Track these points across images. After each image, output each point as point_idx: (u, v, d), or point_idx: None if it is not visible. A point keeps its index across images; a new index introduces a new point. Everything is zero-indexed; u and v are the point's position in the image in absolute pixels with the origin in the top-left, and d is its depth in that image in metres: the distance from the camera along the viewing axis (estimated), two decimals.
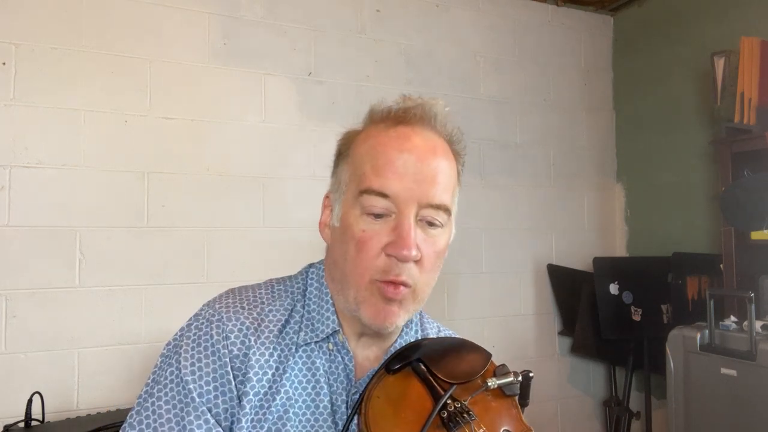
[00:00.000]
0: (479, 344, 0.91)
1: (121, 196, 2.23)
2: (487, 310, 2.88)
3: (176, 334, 0.87)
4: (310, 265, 0.95)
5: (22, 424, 1.82)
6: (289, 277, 0.94)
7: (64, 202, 2.15)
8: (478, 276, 2.88)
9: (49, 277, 2.12)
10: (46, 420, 1.87)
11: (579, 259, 3.10)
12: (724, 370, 2.08)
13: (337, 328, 0.87)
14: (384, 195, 0.80)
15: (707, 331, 2.16)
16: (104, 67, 2.23)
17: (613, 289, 2.75)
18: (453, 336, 1.01)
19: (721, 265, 2.42)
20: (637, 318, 2.75)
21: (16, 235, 2.09)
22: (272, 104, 2.50)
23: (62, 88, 2.17)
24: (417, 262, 0.82)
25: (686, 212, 2.89)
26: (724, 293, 2.36)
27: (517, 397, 0.85)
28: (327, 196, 0.92)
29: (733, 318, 2.20)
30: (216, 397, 0.80)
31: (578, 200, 3.18)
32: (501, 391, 0.84)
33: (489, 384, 0.82)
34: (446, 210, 0.84)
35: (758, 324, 2.06)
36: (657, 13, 3.08)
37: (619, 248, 3.25)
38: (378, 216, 0.81)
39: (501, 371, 0.84)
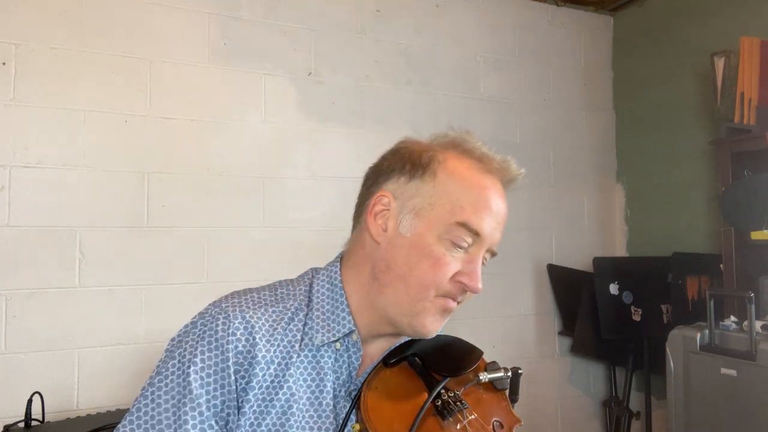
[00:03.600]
0: (475, 343, 0.96)
1: (121, 196, 2.23)
2: (487, 310, 2.88)
3: (180, 331, 0.89)
4: (315, 270, 0.97)
5: (22, 424, 1.82)
6: (292, 281, 0.96)
7: (64, 202, 2.15)
8: None
9: (49, 277, 2.12)
10: (46, 420, 1.87)
11: (579, 259, 3.10)
12: (724, 370, 2.08)
13: (353, 329, 0.90)
14: (476, 233, 0.88)
15: (707, 331, 2.16)
16: (104, 67, 2.23)
17: (613, 289, 2.75)
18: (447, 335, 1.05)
19: (721, 265, 2.42)
20: (637, 318, 2.75)
21: (16, 235, 2.08)
22: (272, 104, 2.50)
23: (62, 88, 2.17)
24: None
25: (686, 212, 2.89)
26: (724, 293, 2.36)
27: (507, 392, 0.90)
28: (384, 195, 0.91)
29: (733, 318, 2.20)
30: (215, 389, 0.83)
31: (578, 200, 3.18)
32: (492, 385, 0.89)
33: (480, 377, 0.87)
34: (495, 255, 0.94)
35: (758, 324, 2.06)
36: (657, 13, 3.08)
37: (619, 248, 3.25)
38: (459, 247, 0.88)
39: (492, 367, 0.89)
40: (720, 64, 2.41)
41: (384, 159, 0.96)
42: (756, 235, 2.26)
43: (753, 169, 2.32)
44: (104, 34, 2.24)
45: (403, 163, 0.92)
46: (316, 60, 2.60)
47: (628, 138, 3.23)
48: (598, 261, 2.81)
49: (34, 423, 1.83)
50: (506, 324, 2.94)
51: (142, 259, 2.25)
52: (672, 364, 2.27)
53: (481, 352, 0.91)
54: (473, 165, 0.92)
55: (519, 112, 3.04)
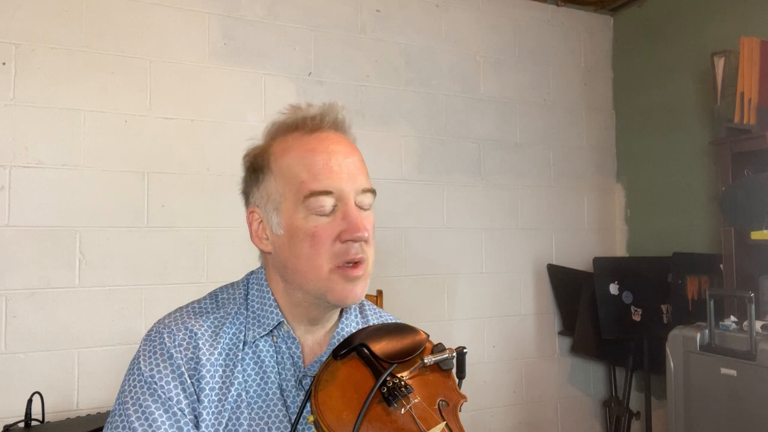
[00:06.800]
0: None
1: (121, 196, 2.23)
2: (487, 310, 2.88)
3: (133, 356, 0.94)
4: (251, 273, 1.05)
5: (22, 424, 1.82)
6: (232, 285, 1.04)
7: (64, 202, 2.15)
8: (478, 276, 2.88)
9: (49, 277, 2.12)
10: (46, 420, 1.87)
11: (579, 259, 3.10)
12: (724, 370, 2.08)
13: (282, 320, 0.96)
14: (328, 193, 0.90)
15: (707, 331, 2.16)
16: (104, 67, 2.23)
17: (613, 289, 2.75)
18: (394, 321, 1.10)
19: (721, 265, 2.42)
20: (637, 318, 2.75)
21: (16, 235, 2.09)
22: (272, 104, 2.50)
23: (62, 88, 2.17)
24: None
25: (686, 212, 2.89)
26: (724, 293, 2.36)
27: (454, 371, 0.94)
28: (252, 212, 0.99)
29: (733, 318, 2.20)
30: (178, 394, 0.88)
31: (578, 200, 3.18)
32: (438, 367, 0.93)
33: (426, 361, 0.91)
34: (373, 192, 0.96)
35: (758, 324, 2.06)
36: (657, 13, 3.08)
37: (619, 248, 3.25)
38: (326, 214, 0.91)
39: (437, 349, 0.94)
40: (720, 64, 2.41)
41: (242, 181, 1.02)
42: (756, 235, 2.26)
43: (753, 169, 2.32)
44: (104, 34, 2.24)
45: (249, 175, 1.00)
46: (316, 60, 2.60)
47: (628, 138, 3.24)
48: (598, 261, 2.81)
49: (34, 423, 1.83)
50: (506, 324, 2.94)
51: (142, 259, 2.25)
52: (672, 364, 2.27)
53: (427, 336, 0.95)
54: (297, 136, 0.95)
55: (519, 112, 3.04)
